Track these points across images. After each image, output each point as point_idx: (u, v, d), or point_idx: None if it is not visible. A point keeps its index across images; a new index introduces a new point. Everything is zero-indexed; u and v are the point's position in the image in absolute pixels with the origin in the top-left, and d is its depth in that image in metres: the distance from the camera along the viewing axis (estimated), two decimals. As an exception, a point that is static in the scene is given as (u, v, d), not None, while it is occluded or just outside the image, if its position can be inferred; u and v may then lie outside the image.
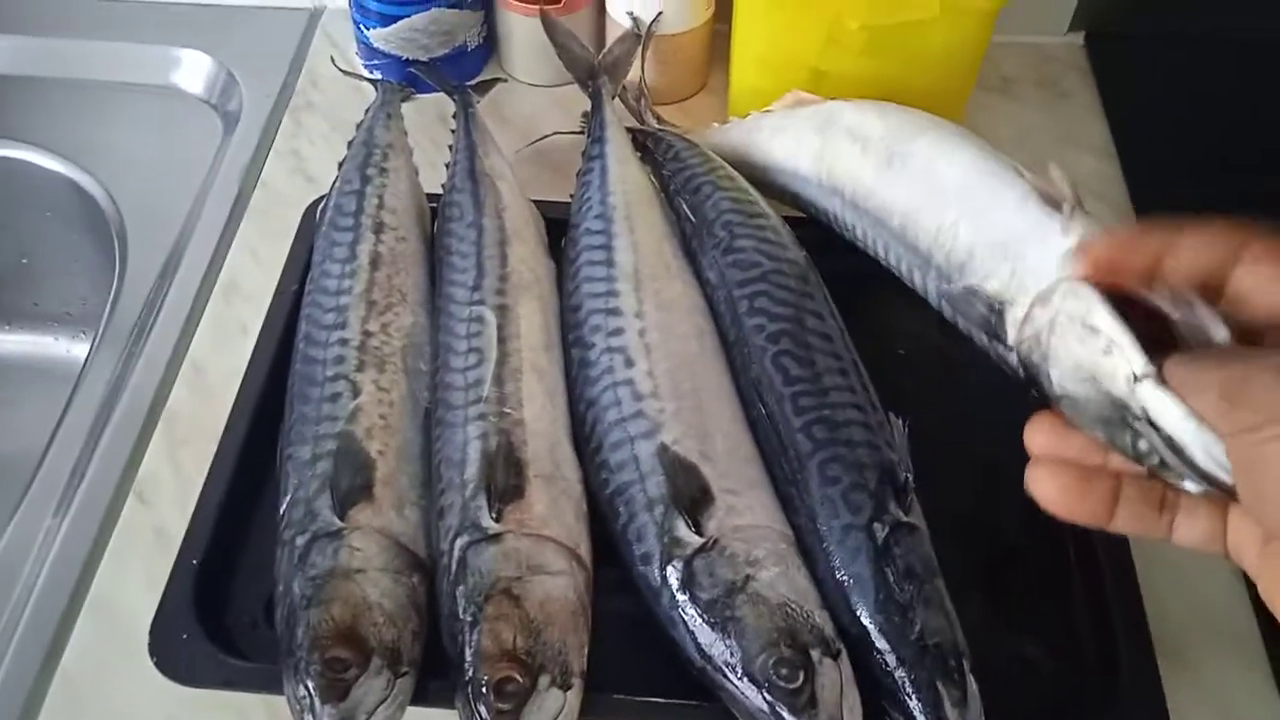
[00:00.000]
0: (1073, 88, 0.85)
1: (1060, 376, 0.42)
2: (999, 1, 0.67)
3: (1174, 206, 0.74)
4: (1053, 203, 0.49)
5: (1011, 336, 0.48)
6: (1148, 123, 0.82)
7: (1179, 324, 0.37)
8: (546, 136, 0.77)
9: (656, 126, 0.74)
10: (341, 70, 0.81)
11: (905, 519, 0.51)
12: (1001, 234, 0.50)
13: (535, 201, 0.69)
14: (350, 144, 0.70)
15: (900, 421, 0.55)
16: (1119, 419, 0.37)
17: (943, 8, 0.66)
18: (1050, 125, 0.82)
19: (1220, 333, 0.36)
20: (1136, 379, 0.36)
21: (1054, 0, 0.86)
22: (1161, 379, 0.35)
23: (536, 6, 0.77)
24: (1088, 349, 0.39)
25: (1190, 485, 0.36)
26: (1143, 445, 0.37)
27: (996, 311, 0.49)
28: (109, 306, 0.74)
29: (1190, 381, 0.35)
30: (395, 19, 0.78)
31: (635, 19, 0.76)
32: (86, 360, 0.71)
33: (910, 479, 0.53)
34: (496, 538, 0.50)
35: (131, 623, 0.53)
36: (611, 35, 0.79)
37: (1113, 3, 0.86)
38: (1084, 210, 0.48)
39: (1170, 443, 0.35)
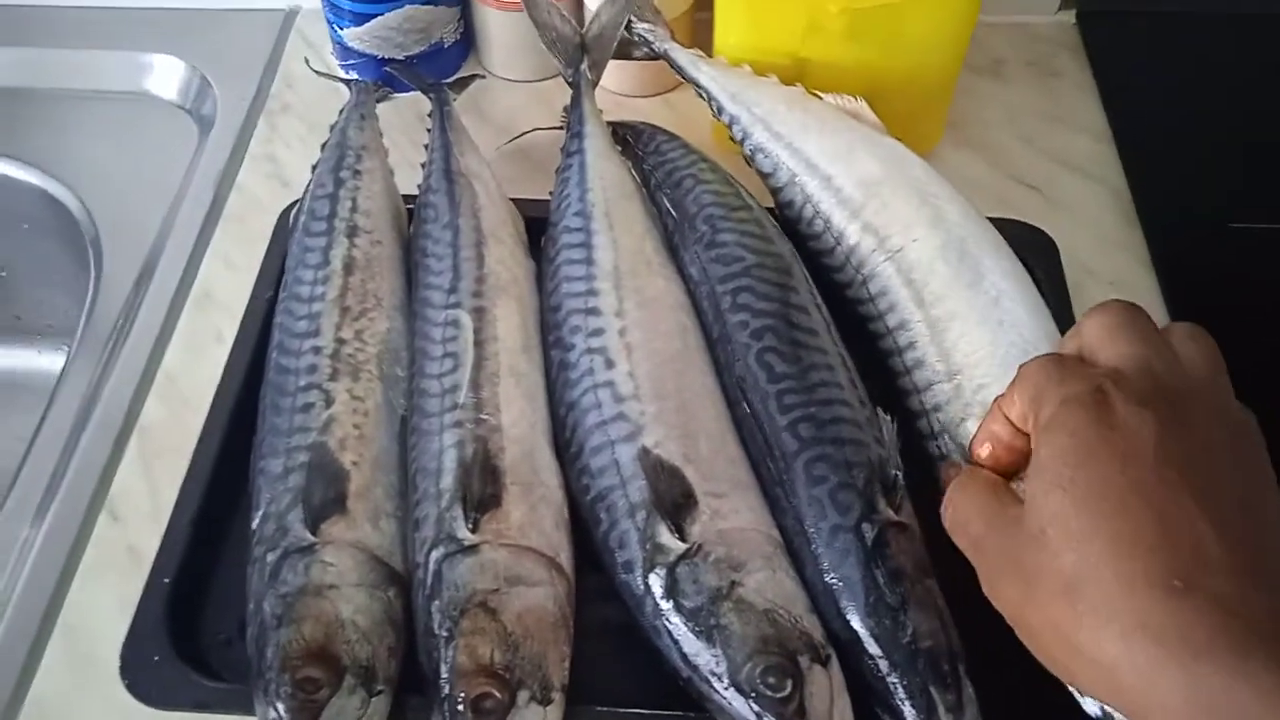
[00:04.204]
0: (1065, 67, 0.83)
1: None
2: (983, -19, 0.66)
3: (1170, 186, 0.73)
4: None
5: None
6: (1142, 102, 0.80)
7: None
8: (526, 133, 0.75)
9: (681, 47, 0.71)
10: (316, 71, 0.80)
11: (896, 518, 0.50)
12: None
13: (516, 200, 0.68)
14: (324, 146, 0.69)
15: (890, 417, 0.53)
16: None
17: (925, -11, 0.65)
18: (1042, 106, 0.80)
19: None
20: None
21: (1044, -21, 0.85)
22: None
23: (512, -1, 0.75)
24: None
25: None
26: None
27: None
28: (84, 318, 0.72)
29: None
30: (369, 17, 0.77)
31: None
32: (61, 374, 0.69)
33: (900, 476, 0.51)
34: (473, 549, 0.48)
35: (103, 645, 0.52)
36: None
37: (1104, -20, 0.85)
38: None
39: None
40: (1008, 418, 0.43)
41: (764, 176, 0.65)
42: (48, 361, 0.91)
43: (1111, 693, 0.36)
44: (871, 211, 0.59)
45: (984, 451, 0.45)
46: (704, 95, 0.69)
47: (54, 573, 0.57)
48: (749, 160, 0.66)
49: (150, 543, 0.55)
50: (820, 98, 0.66)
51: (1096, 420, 0.38)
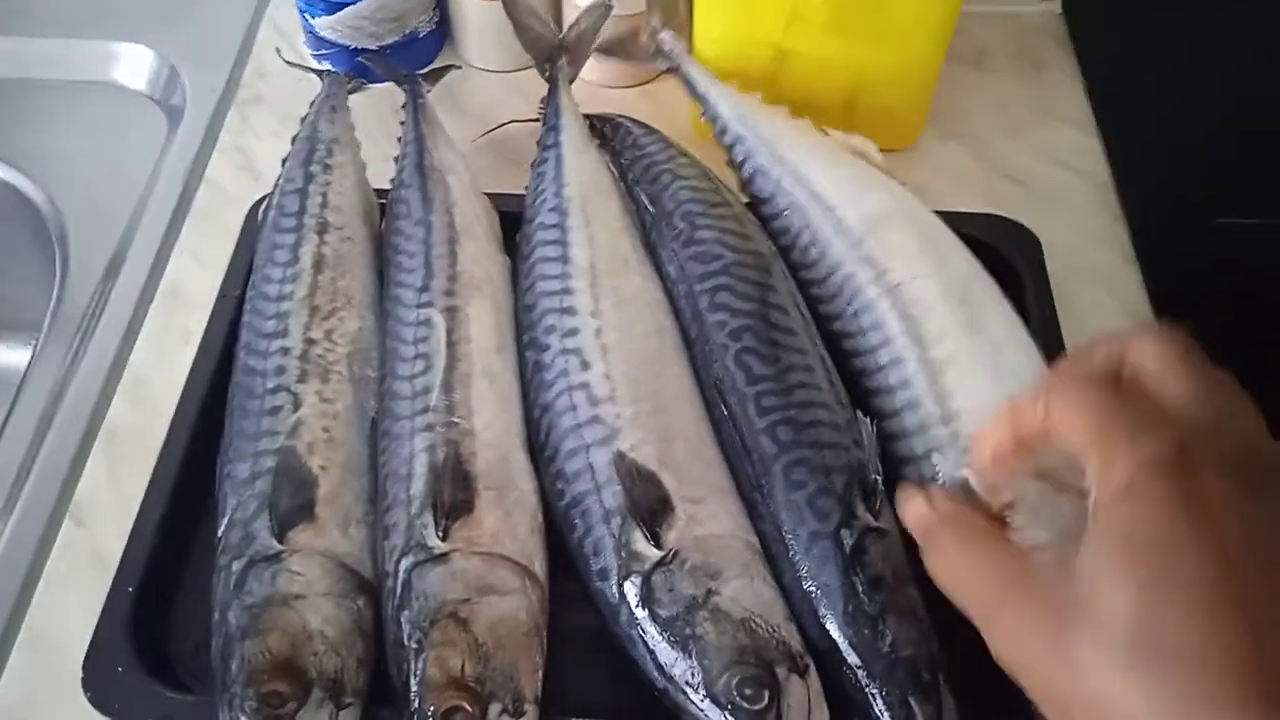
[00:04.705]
0: (1050, 58, 0.82)
1: None
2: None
3: (1155, 180, 0.72)
4: None
5: None
6: (1128, 94, 0.79)
7: None
8: (502, 125, 0.74)
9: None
10: (287, 62, 0.78)
11: (875, 524, 0.49)
12: None
13: (491, 194, 0.66)
14: (294, 139, 0.67)
15: (869, 420, 0.52)
16: None
17: (908, -21, 0.63)
18: (1027, 97, 0.79)
19: None
20: None
21: (1029, -32, 0.83)
22: None
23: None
24: None
25: None
26: None
27: None
28: (49, 314, 0.71)
29: None
30: (341, 6, 0.75)
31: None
32: (27, 370, 0.68)
33: (880, 481, 0.50)
34: (443, 558, 0.47)
35: (66, 656, 0.51)
36: (569, 19, 0.76)
37: (1090, -31, 0.84)
38: None
39: None
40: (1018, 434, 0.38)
41: (760, 201, 0.63)
42: (14, 356, 0.90)
43: None
44: (873, 244, 0.57)
45: (977, 479, 0.40)
46: (709, 114, 0.67)
47: (17, 579, 0.56)
48: (747, 183, 0.64)
49: (116, 548, 0.53)
50: (827, 133, 0.64)
51: (1180, 498, 0.33)
